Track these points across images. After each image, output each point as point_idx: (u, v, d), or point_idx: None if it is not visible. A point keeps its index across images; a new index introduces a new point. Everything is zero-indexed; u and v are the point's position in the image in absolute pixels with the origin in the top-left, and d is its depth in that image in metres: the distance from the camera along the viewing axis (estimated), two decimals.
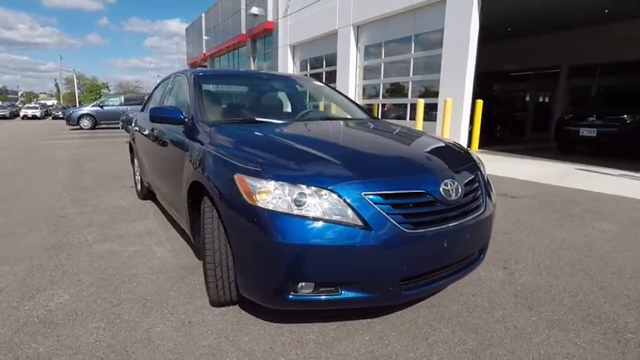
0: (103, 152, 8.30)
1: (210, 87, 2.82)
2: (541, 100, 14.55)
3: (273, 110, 2.87)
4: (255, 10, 16.52)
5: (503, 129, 11.18)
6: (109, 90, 63.72)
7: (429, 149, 2.09)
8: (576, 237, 2.97)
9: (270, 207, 1.49)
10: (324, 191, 1.51)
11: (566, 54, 12.29)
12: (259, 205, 1.51)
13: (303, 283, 1.51)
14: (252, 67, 18.90)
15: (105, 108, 15.92)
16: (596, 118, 7.74)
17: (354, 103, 3.22)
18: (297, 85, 3.39)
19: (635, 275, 2.31)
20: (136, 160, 4.21)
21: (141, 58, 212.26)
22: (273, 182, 1.53)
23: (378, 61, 10.99)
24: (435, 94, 8.79)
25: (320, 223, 1.46)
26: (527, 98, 14.82)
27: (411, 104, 9.81)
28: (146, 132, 3.24)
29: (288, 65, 15.43)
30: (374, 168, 1.69)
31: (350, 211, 1.48)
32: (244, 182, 1.58)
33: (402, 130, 2.58)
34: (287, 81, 3.44)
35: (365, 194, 1.52)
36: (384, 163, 1.79)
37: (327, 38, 12.81)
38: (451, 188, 1.68)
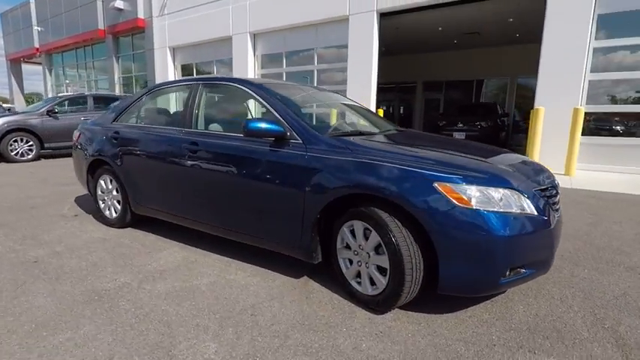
0: None
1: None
2: (403, 108, 17.48)
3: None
4: (119, 4, 14.43)
5: None
6: None
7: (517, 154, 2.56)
8: None
9: (488, 208, 1.72)
10: (510, 191, 1.83)
11: (421, 72, 15.20)
12: (476, 207, 1.72)
13: (509, 267, 1.79)
14: (116, 67, 16.41)
15: None
16: (462, 124, 9.98)
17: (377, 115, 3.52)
18: (336, 99, 3.56)
19: (619, 238, 3.26)
20: (103, 183, 3.44)
21: None
22: (475, 187, 1.77)
23: (280, 70, 11.25)
24: None
25: (517, 217, 1.78)
26: (392, 107, 17.59)
27: None
28: (174, 150, 2.75)
29: (168, 69, 14.07)
30: (525, 170, 2.08)
31: (531, 205, 1.85)
32: (450, 189, 1.75)
33: (465, 140, 3.05)
34: (328, 94, 3.55)
35: (535, 190, 1.91)
36: (525, 166, 2.20)
37: (220, 43, 12.31)
38: (558, 182, 2.24)
